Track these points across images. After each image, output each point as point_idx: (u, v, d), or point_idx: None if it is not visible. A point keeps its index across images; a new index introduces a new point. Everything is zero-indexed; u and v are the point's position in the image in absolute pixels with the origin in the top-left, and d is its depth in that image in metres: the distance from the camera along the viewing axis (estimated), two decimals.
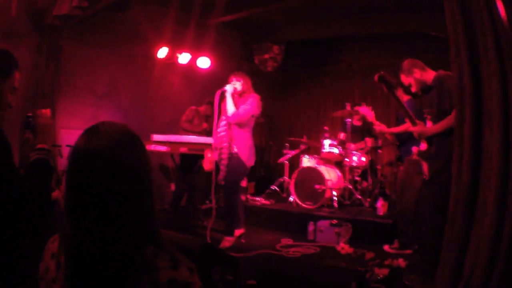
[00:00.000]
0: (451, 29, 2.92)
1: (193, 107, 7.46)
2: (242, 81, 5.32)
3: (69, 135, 6.23)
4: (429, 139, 3.97)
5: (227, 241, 5.19)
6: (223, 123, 5.35)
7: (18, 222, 1.90)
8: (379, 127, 5.28)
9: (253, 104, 5.24)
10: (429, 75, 4.11)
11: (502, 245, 2.39)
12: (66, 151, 5.92)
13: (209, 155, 5.48)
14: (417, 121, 4.09)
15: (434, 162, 3.88)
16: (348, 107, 7.32)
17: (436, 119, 3.89)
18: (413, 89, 4.22)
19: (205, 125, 7.37)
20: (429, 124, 3.97)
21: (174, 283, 1.15)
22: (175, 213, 6.88)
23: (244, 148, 5.26)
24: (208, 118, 7.39)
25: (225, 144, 5.29)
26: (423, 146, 4.01)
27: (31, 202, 1.95)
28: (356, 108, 7.25)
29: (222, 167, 5.27)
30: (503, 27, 2.54)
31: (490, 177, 2.57)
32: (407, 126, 4.98)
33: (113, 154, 1.21)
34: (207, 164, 5.50)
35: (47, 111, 2.23)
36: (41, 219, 1.98)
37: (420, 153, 4.11)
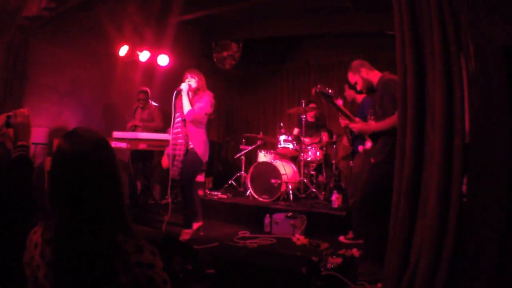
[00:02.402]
0: (398, 28, 3.07)
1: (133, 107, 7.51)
2: (197, 78, 5.36)
3: (34, 133, 6.17)
4: (374, 138, 4.15)
5: (185, 234, 5.29)
6: (178, 119, 5.38)
7: (5, 213, 2.02)
8: (345, 121, 5.43)
9: (207, 102, 5.31)
10: (375, 76, 4.28)
11: (448, 235, 2.51)
12: (31, 149, 5.91)
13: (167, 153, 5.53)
14: (357, 119, 4.32)
15: (377, 157, 4.05)
16: (303, 104, 7.50)
17: (378, 119, 4.07)
18: (358, 87, 4.43)
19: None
20: (371, 123, 4.17)
21: (141, 264, 1.37)
22: (135, 207, 6.93)
23: (199, 144, 5.34)
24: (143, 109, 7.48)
25: (180, 141, 5.34)
26: (368, 144, 4.19)
27: (17, 194, 2.07)
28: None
29: (177, 163, 5.31)
30: (451, 29, 2.68)
31: (432, 170, 2.70)
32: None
33: (93, 156, 1.43)
34: (165, 161, 5.56)
35: (24, 110, 2.34)
36: (26, 210, 2.10)
37: (365, 151, 4.29)
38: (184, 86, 5.28)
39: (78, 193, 1.39)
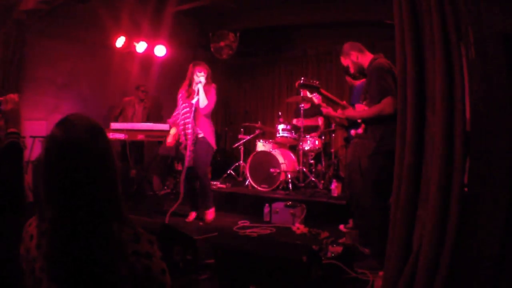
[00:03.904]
0: (397, 16, 3.03)
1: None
2: (206, 74, 5.68)
3: (32, 126, 6.26)
4: (366, 124, 4.13)
5: (209, 214, 5.82)
6: (185, 110, 5.63)
7: None
8: (326, 109, 5.36)
9: (214, 95, 5.70)
10: (366, 59, 4.14)
11: (449, 223, 2.50)
12: (29, 142, 5.93)
13: (172, 131, 5.84)
14: (344, 103, 4.29)
15: (368, 150, 4.01)
16: (301, 93, 7.46)
17: (368, 105, 4.00)
18: (351, 71, 4.35)
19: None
20: (361, 107, 4.13)
21: (138, 253, 1.34)
22: (135, 198, 6.93)
23: (210, 133, 5.77)
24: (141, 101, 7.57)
25: (189, 131, 5.59)
26: (360, 130, 4.17)
27: (7, 183, 2.05)
28: (301, 90, 7.36)
29: (190, 153, 5.55)
30: (450, 16, 2.64)
31: (433, 159, 2.68)
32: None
33: (87, 143, 1.38)
34: (170, 139, 5.80)
35: (15, 96, 2.29)
36: (17, 198, 2.07)
37: (357, 135, 4.26)
38: (202, 80, 5.59)
39: (72, 182, 1.34)
